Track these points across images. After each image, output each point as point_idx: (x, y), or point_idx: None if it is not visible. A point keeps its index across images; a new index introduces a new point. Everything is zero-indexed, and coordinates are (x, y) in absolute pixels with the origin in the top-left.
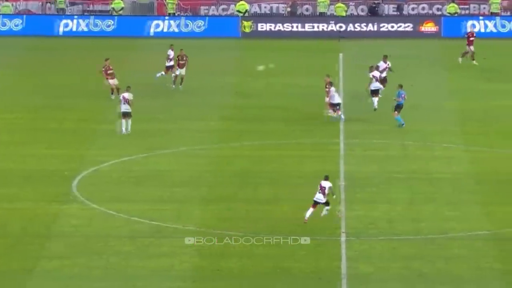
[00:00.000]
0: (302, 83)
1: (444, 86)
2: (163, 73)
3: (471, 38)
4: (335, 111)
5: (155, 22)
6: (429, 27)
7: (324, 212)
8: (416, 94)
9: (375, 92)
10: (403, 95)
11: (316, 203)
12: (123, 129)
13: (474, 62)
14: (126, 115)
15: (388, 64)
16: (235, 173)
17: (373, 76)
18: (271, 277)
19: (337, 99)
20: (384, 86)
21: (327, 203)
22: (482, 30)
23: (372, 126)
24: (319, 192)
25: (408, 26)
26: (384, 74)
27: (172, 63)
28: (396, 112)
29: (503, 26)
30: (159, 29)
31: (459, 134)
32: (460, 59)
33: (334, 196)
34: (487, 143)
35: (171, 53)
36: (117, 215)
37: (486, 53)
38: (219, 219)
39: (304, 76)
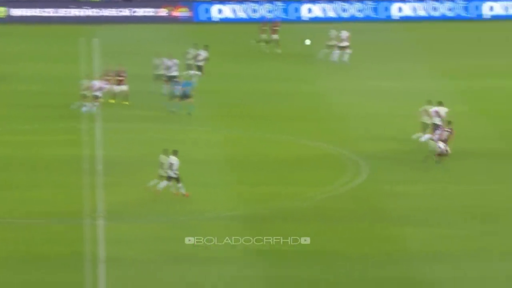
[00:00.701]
0: (56, 68)
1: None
2: None
3: (275, 28)
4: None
5: None
6: (182, 12)
7: (162, 185)
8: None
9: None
10: (182, 85)
11: (170, 178)
12: None
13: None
14: None
15: (206, 54)
16: None
17: (163, 63)
18: (25, 263)
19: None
20: (200, 74)
21: (177, 180)
22: (232, 15)
23: (130, 111)
24: (169, 168)
25: (162, 11)
26: (201, 63)
27: None
28: (175, 99)
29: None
30: None
31: (215, 118)
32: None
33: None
34: (242, 126)
35: None
36: None
37: (254, 37)
38: None
39: (58, 61)
